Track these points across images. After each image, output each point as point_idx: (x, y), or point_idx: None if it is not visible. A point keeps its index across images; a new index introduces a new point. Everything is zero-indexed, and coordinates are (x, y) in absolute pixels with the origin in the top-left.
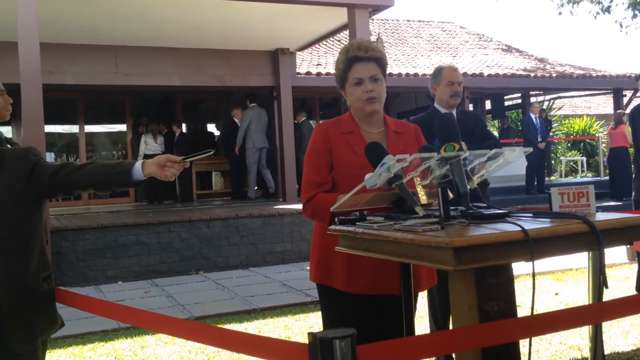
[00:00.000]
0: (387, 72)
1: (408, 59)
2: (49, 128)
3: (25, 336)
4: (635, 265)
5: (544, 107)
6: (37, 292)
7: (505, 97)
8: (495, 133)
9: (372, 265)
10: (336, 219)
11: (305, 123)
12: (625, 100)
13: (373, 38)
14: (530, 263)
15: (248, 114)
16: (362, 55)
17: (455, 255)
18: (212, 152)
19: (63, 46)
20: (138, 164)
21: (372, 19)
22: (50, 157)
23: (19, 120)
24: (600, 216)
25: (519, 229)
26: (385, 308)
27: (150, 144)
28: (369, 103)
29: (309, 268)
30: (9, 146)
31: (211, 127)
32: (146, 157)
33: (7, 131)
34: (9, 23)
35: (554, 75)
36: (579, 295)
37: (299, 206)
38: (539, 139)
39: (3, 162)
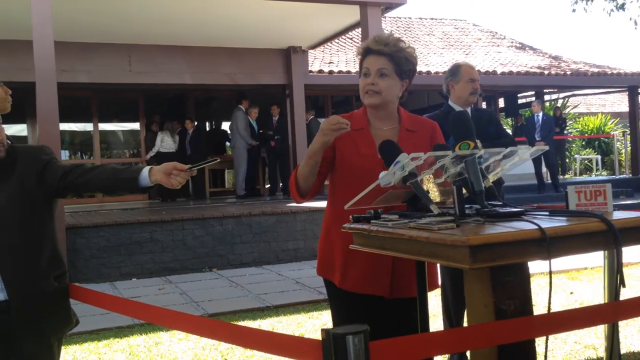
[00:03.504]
0: None
1: (421, 57)
2: (64, 126)
3: (36, 335)
4: None
5: (558, 104)
6: (48, 292)
7: (518, 95)
8: (509, 131)
9: (365, 265)
10: (351, 216)
11: (313, 121)
12: None
13: None
14: (545, 261)
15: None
16: (373, 48)
17: (471, 254)
18: (218, 161)
19: (77, 45)
20: (145, 171)
21: (385, 17)
22: (64, 155)
23: (34, 119)
24: (618, 215)
25: (536, 227)
26: (376, 309)
27: (166, 141)
28: (368, 95)
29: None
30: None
31: (226, 125)
32: (161, 154)
33: (22, 129)
34: (24, 22)
35: (568, 72)
36: (593, 294)
37: (312, 204)
38: (538, 138)
39: (16, 160)
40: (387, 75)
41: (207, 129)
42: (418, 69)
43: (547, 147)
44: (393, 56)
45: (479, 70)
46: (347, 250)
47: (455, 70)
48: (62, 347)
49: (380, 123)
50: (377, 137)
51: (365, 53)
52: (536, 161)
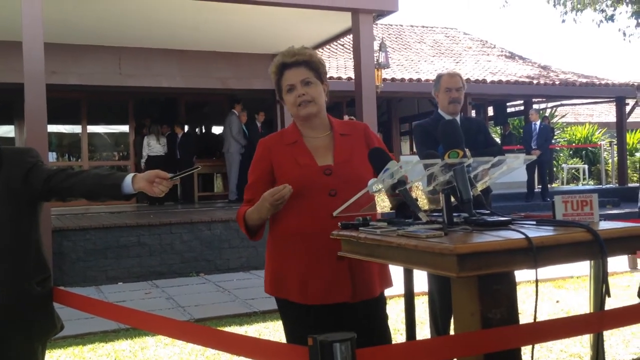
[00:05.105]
0: (390, 77)
1: (411, 64)
2: (52, 128)
3: (19, 340)
4: (636, 274)
5: (547, 114)
6: (31, 296)
7: (507, 104)
8: (498, 139)
9: (326, 274)
10: (340, 223)
11: None
12: (627, 108)
13: (376, 43)
14: (532, 270)
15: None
16: (289, 61)
17: (459, 262)
18: (199, 168)
19: (67, 47)
20: (129, 178)
21: (376, 24)
22: (52, 157)
23: (22, 120)
24: (604, 225)
25: (523, 236)
26: (342, 316)
27: (153, 145)
28: (303, 107)
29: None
30: None
31: (217, 130)
32: (150, 158)
33: (9, 131)
34: (14, 23)
35: (557, 82)
36: (580, 303)
37: None
38: (534, 146)
39: (1, 163)
40: (312, 82)
41: (198, 133)
42: (408, 76)
43: (534, 157)
44: (309, 63)
45: (468, 79)
46: (304, 265)
47: (437, 80)
48: (47, 351)
49: (313, 132)
50: (312, 147)
51: (282, 69)
52: (530, 169)
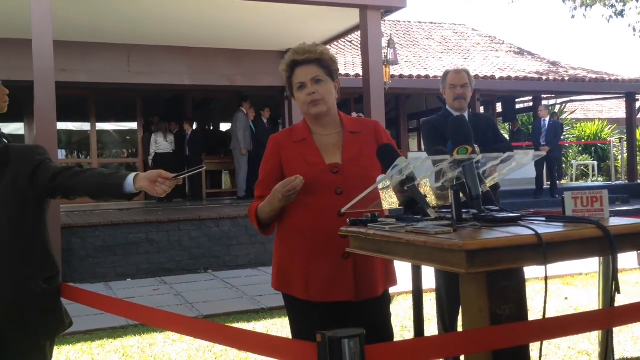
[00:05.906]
0: (399, 74)
1: (419, 61)
2: (61, 125)
3: (26, 336)
4: None
5: (556, 110)
6: (37, 293)
7: (516, 100)
8: (506, 136)
9: (328, 272)
10: (349, 219)
11: None
12: (638, 104)
13: (385, 39)
14: (540, 266)
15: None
16: (299, 59)
17: (468, 258)
18: (203, 168)
19: (76, 44)
20: (130, 178)
21: (384, 21)
22: (62, 154)
23: (31, 118)
24: (614, 221)
25: (532, 232)
26: (345, 314)
27: (160, 142)
28: (313, 106)
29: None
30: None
31: (225, 126)
32: (157, 155)
33: (19, 128)
34: (24, 21)
35: (566, 78)
36: (588, 300)
37: None
38: (542, 143)
39: (9, 160)
40: (323, 80)
41: (206, 130)
42: (417, 72)
43: (544, 153)
44: (320, 61)
45: (477, 75)
46: (308, 262)
47: (443, 77)
48: (55, 347)
49: (323, 130)
50: (322, 145)
51: (292, 67)
52: (539, 166)
